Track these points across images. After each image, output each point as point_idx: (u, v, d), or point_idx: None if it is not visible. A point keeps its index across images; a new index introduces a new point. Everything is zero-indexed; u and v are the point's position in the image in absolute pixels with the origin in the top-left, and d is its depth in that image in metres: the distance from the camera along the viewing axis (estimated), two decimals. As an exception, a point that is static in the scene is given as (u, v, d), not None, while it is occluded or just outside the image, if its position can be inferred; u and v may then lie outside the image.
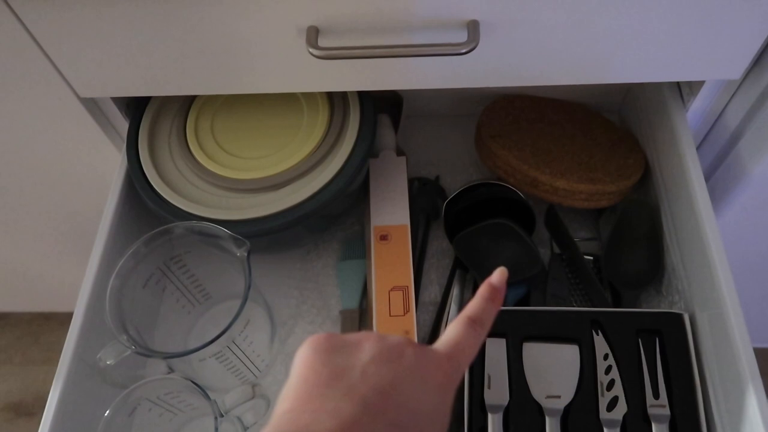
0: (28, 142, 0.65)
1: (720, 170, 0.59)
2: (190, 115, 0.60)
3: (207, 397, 0.46)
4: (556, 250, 0.62)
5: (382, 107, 0.67)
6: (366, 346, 0.32)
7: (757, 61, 0.51)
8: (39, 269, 0.97)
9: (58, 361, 0.50)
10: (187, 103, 0.61)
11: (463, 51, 0.46)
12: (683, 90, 0.58)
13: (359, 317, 0.61)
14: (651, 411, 0.49)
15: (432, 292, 0.63)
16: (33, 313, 1.21)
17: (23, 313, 1.22)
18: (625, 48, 0.48)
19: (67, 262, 0.94)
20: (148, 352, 0.46)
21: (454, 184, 0.69)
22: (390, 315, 0.54)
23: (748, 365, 0.45)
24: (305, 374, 0.31)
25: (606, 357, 0.52)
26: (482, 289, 0.37)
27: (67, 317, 0.52)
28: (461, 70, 0.51)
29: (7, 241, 0.89)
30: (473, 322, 0.35)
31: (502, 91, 0.71)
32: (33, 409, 1.14)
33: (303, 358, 0.32)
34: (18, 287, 1.05)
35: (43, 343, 1.23)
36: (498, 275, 0.38)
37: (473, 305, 0.36)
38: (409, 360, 0.32)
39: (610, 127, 0.68)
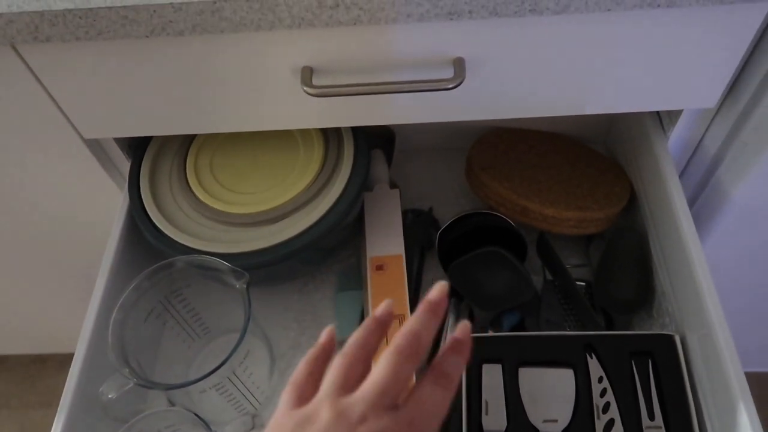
0: (31, 182, 0.66)
1: (703, 196, 0.61)
2: (189, 153, 0.62)
3: (208, 428, 0.47)
4: (549, 277, 0.64)
5: (376, 142, 0.69)
6: (321, 415, 0.30)
7: (731, 90, 0.53)
8: (37, 310, 0.97)
9: (55, 405, 0.50)
10: (187, 141, 0.63)
11: (450, 86, 0.48)
12: (663, 120, 0.60)
13: (357, 348, 0.62)
14: (647, 432, 0.50)
15: (428, 321, 0.64)
16: (30, 355, 1.21)
17: (20, 356, 1.22)
18: (604, 80, 0.51)
19: (66, 303, 0.94)
20: (149, 384, 0.47)
21: (446, 215, 0.70)
22: (387, 344, 0.55)
23: (738, 384, 0.46)
24: None
25: (600, 380, 0.53)
26: (421, 308, 0.35)
27: (65, 359, 0.52)
28: (449, 105, 0.53)
29: (6, 282, 0.89)
30: (438, 376, 0.33)
31: (491, 124, 0.73)
32: (31, 454, 1.13)
33: None
34: (15, 329, 1.05)
35: (40, 387, 1.22)
36: (437, 290, 0.35)
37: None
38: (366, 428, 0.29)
39: (596, 157, 0.71)
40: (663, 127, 0.60)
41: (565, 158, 0.69)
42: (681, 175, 0.61)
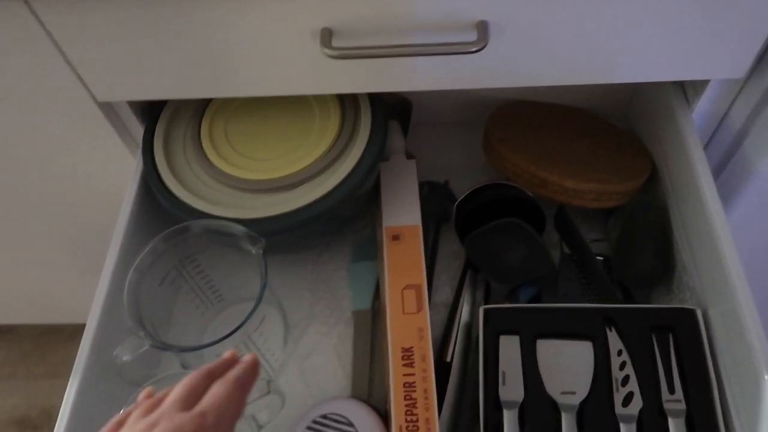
0: (44, 146, 0.66)
1: (727, 169, 0.60)
2: (204, 118, 0.61)
3: (223, 391, 0.46)
4: (566, 251, 0.63)
5: (392, 113, 0.68)
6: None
7: (760, 60, 0.52)
8: (48, 280, 0.97)
9: (63, 376, 0.50)
10: (201, 107, 0.62)
11: (473, 50, 0.47)
12: (688, 91, 0.59)
13: (372, 318, 0.61)
14: (667, 406, 0.49)
15: (444, 293, 0.63)
16: (40, 326, 1.21)
17: (30, 326, 1.22)
18: (630, 48, 0.49)
19: (78, 273, 0.94)
20: (165, 346, 0.46)
21: (462, 188, 0.69)
22: (404, 313, 0.54)
23: (764, 358, 0.45)
24: None
25: (620, 353, 0.52)
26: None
27: (74, 330, 0.53)
28: (471, 71, 0.52)
29: (17, 250, 0.89)
30: (231, 378, 0.35)
31: (508, 96, 0.72)
32: (38, 423, 1.13)
33: None
34: (26, 299, 1.05)
35: (49, 358, 1.23)
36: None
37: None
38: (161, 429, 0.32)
39: (616, 131, 0.69)
40: (687, 99, 0.59)
41: (585, 132, 0.68)
42: (704, 148, 0.60)
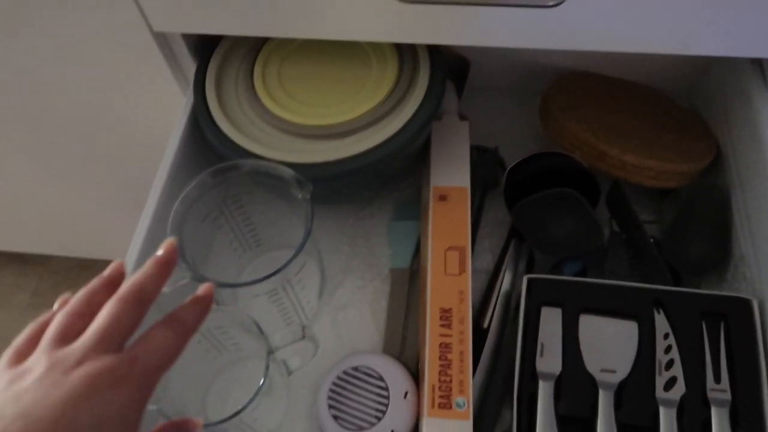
0: (96, 77, 0.65)
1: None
2: (258, 59, 0.60)
3: (260, 331, 0.46)
4: (616, 228, 0.61)
5: (448, 72, 0.66)
6: (35, 368, 0.29)
7: None
8: (87, 213, 0.98)
9: None
10: (256, 47, 0.61)
11: (550, 4, 0.45)
12: (767, 71, 0.55)
13: (409, 278, 0.60)
14: (711, 395, 0.48)
15: (485, 259, 0.62)
16: (74, 259, 1.23)
17: (64, 259, 1.24)
18: (717, 19, 0.46)
19: (118, 209, 0.95)
20: (206, 280, 0.46)
21: (512, 156, 0.67)
22: (445, 274, 0.53)
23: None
24: None
25: (666, 336, 0.50)
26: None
27: (107, 266, 0.51)
28: (544, 29, 0.49)
29: (59, 181, 0.90)
30: (171, 320, 0.33)
31: (571, 66, 0.69)
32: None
33: None
34: (63, 230, 1.06)
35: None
36: (166, 246, 0.35)
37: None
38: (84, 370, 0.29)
39: (680, 111, 0.66)
40: (765, 80, 0.55)
41: (648, 109, 0.65)
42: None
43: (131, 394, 0.29)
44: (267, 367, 0.45)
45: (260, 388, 0.44)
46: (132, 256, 0.52)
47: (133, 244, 0.53)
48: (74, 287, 1.15)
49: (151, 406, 0.42)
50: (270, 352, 0.46)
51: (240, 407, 0.43)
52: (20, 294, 1.22)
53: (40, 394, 0.28)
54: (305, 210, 0.49)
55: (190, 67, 0.62)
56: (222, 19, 0.53)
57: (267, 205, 0.57)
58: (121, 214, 0.96)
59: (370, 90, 0.57)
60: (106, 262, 0.48)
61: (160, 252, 0.35)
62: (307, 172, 0.52)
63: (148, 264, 0.34)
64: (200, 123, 0.57)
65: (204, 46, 0.62)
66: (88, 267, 1.22)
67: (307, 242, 0.49)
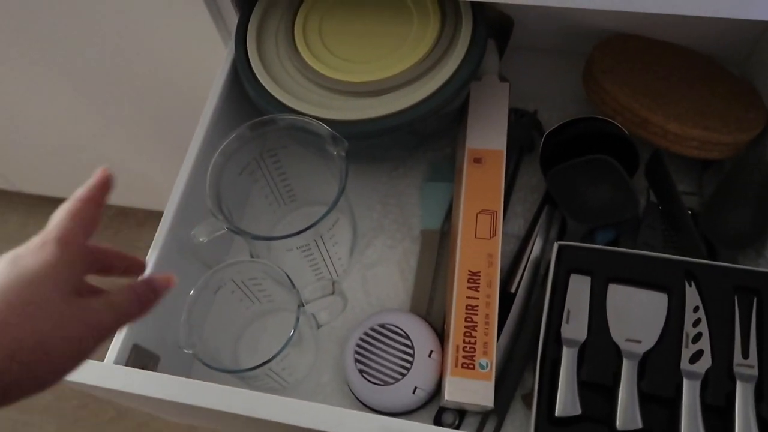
0: (139, 25, 0.66)
1: None
2: (299, 13, 0.59)
3: (292, 284, 0.47)
4: (653, 199, 0.60)
5: (491, 31, 0.64)
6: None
7: None
8: (129, 162, 1.01)
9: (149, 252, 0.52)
10: (297, 1, 0.60)
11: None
12: (828, 41, 0.53)
13: (440, 239, 0.61)
14: (737, 369, 0.47)
15: (516, 224, 0.62)
16: (114, 206, 1.27)
17: (107, 207, 1.28)
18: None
19: (158, 158, 0.97)
20: (240, 232, 0.47)
21: (551, 119, 0.66)
22: (476, 237, 0.54)
23: None
24: None
25: (696, 309, 0.50)
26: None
27: (148, 215, 0.53)
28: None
29: (101, 127, 0.92)
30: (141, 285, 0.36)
31: (619, 28, 0.67)
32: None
33: None
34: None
35: (120, 239, 1.29)
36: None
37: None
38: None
39: (731, 79, 0.64)
40: (826, 50, 0.53)
41: (697, 75, 0.63)
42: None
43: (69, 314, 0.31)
44: (297, 320, 0.47)
45: (290, 339, 0.46)
46: (172, 205, 0.54)
47: (173, 193, 0.54)
48: (114, 235, 1.18)
49: (187, 350, 0.45)
50: (300, 305, 0.47)
51: (270, 356, 0.45)
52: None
53: None
54: (340, 167, 0.49)
55: (233, 19, 0.62)
56: (263, -28, 0.53)
57: (303, 161, 0.57)
58: (164, 164, 0.98)
59: (409, 47, 0.56)
60: (146, 212, 0.50)
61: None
62: (343, 129, 0.53)
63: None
64: (240, 77, 0.58)
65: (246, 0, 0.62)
66: (128, 215, 1.26)
67: (341, 199, 0.49)
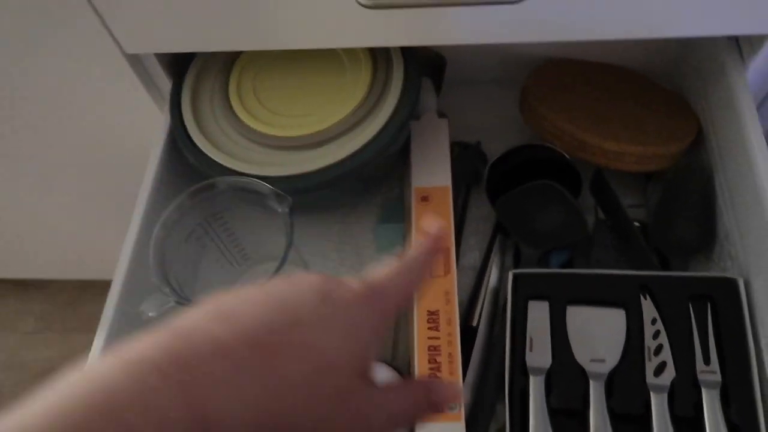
0: (73, 99, 0.65)
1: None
2: (232, 73, 0.60)
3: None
4: (601, 216, 0.61)
5: (424, 69, 0.65)
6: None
7: (825, 14, 0.48)
8: (80, 236, 0.99)
9: (96, 330, 0.50)
10: (229, 61, 0.61)
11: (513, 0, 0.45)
12: (743, 48, 0.55)
13: (398, 280, 0.60)
14: (701, 377, 0.48)
15: (472, 257, 0.62)
16: (73, 281, 1.24)
17: (64, 282, 1.25)
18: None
19: (109, 229, 0.95)
20: (190, 303, 0.46)
21: (495, 149, 0.67)
22: (430, 275, 0.53)
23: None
24: None
25: (654, 322, 0.50)
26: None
27: (106, 286, 0.52)
28: (511, 23, 0.49)
29: (51, 206, 0.90)
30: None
31: (548, 54, 0.69)
32: (73, 375, 1.17)
33: None
34: (59, 254, 1.07)
35: (81, 313, 1.26)
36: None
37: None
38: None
39: (661, 92, 0.66)
40: (742, 56, 0.55)
41: (628, 92, 0.65)
42: (758, 109, 0.57)
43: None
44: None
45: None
46: (119, 279, 0.53)
47: (119, 266, 0.53)
48: (77, 309, 1.15)
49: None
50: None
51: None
52: (26, 318, 1.23)
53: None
54: (285, 224, 0.49)
55: (166, 84, 0.62)
56: (192, 37, 0.53)
57: (250, 219, 0.57)
58: (114, 234, 0.96)
59: (345, 96, 0.57)
60: (106, 282, 0.49)
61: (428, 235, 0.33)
62: (286, 184, 0.53)
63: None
64: (177, 142, 0.57)
65: (178, 64, 0.62)
66: (89, 287, 1.24)
67: (292, 254, 0.49)
